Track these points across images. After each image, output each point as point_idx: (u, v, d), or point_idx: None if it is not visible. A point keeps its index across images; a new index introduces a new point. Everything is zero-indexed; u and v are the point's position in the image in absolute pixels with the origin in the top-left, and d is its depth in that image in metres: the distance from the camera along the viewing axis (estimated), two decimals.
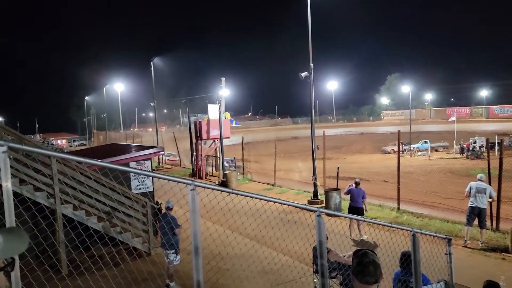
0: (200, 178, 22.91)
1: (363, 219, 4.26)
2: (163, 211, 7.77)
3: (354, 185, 10.84)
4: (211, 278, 5.26)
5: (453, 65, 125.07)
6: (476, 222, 9.53)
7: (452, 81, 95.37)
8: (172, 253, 7.03)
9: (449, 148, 40.20)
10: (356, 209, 10.57)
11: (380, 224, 4.98)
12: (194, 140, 24.37)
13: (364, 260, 2.37)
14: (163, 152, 20.12)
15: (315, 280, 6.31)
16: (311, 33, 14.98)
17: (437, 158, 34.03)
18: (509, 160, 12.34)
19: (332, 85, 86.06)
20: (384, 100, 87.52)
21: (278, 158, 22.52)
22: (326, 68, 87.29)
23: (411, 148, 38.65)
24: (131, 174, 10.00)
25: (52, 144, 60.58)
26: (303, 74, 14.82)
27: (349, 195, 10.90)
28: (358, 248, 2.63)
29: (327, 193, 13.51)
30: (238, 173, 22.29)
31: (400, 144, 15.74)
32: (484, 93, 78.79)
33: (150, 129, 60.52)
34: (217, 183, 20.29)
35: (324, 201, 13.87)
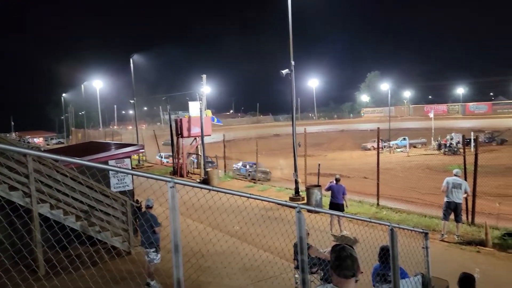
0: (182, 176, 22.72)
1: (343, 214, 4.31)
2: (143, 209, 7.68)
3: (334, 182, 10.96)
4: (191, 275, 5.22)
5: (431, 63, 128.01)
6: (452, 216, 9.76)
7: (430, 79, 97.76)
8: (153, 251, 6.96)
9: (427, 144, 41.13)
10: (336, 205, 10.67)
11: (359, 220, 5.05)
12: (175, 138, 24.17)
13: (342, 255, 2.40)
14: (143, 150, 19.84)
15: (296, 275, 6.34)
16: (292, 31, 15.03)
17: (416, 155, 34.72)
18: (484, 156, 12.70)
19: (313, 82, 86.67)
20: (364, 97, 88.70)
21: (260, 156, 22.55)
22: (307, 65, 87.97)
23: (391, 145, 39.36)
24: (110, 172, 9.84)
25: (28, 142, 59.13)
26: (284, 71, 14.86)
27: (330, 192, 11.01)
28: (337, 243, 2.66)
29: (308, 189, 13.60)
30: (219, 171, 22.25)
31: (380, 141, 15.98)
32: (460, 90, 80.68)
33: (130, 127, 59.74)
34: (199, 180, 20.17)
35: (305, 198, 13.96)
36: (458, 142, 33.12)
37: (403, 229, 4.68)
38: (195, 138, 23.52)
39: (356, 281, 2.49)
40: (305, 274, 3.05)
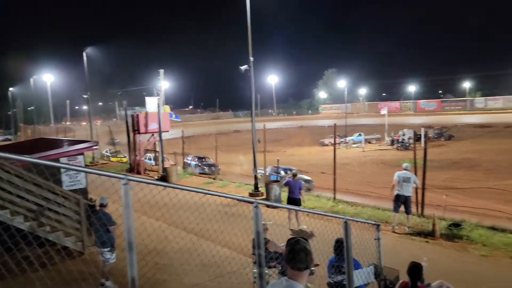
0: (139, 173, 22.19)
1: (300, 209, 4.38)
2: (97, 208, 7.43)
3: (291, 177, 11.10)
4: (146, 273, 5.10)
5: (385, 62, 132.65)
6: (402, 208, 10.20)
7: (384, 77, 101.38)
8: (107, 251, 6.75)
9: (381, 140, 42.75)
10: (294, 200, 10.81)
11: (316, 214, 5.15)
12: (131, 134, 23.53)
13: (296, 248, 2.44)
14: (97, 147, 19.12)
15: (254, 270, 6.38)
16: (250, 27, 15.04)
17: (371, 150, 36.01)
18: (432, 151, 13.35)
19: (273, 79, 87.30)
20: (322, 94, 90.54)
21: (220, 152, 22.48)
22: (266, 62, 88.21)
23: (347, 141, 40.49)
24: (62, 169, 9.44)
25: None
26: (243, 68, 14.87)
27: (288, 187, 11.14)
28: (292, 237, 2.69)
29: (267, 185, 13.72)
30: (178, 167, 21.92)
31: (337, 136, 16.39)
32: (412, 88, 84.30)
33: (84, 123, 57.38)
34: (157, 177, 19.79)
35: (264, 193, 14.08)
36: (410, 138, 34.66)
37: (357, 221, 4.84)
38: (153, 134, 23.03)
39: (312, 273, 2.54)
40: (262, 268, 3.07)
